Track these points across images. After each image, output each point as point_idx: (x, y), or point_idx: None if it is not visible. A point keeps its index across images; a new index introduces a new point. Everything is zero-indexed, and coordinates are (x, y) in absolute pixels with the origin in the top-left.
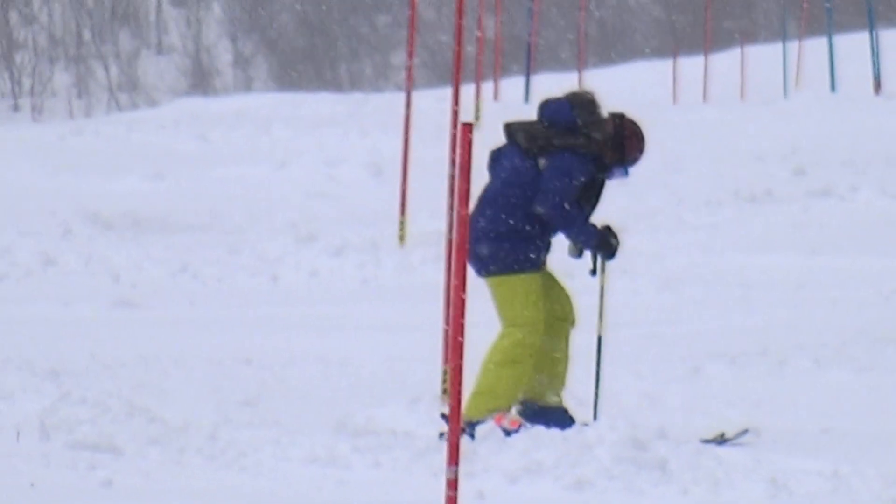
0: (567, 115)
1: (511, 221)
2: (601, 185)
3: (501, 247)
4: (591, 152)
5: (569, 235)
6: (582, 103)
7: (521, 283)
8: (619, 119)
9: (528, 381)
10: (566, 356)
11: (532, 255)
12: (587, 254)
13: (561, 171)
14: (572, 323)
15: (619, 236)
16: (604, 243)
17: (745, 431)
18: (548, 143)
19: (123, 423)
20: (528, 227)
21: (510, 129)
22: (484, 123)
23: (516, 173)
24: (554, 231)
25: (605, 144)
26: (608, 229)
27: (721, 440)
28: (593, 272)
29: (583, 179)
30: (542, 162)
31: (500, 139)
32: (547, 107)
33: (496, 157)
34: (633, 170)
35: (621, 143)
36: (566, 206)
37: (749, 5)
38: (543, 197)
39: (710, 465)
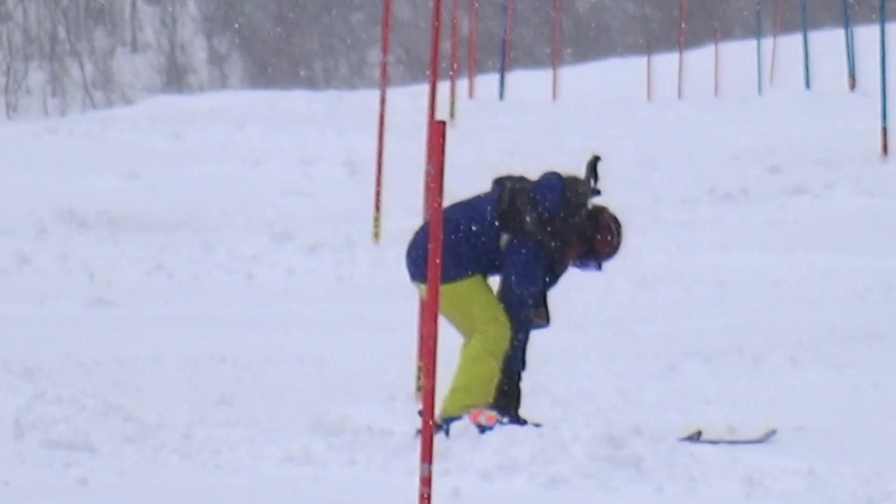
0: (554, 199)
1: (454, 237)
2: (563, 269)
3: (444, 256)
4: (553, 247)
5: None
6: (574, 193)
7: (469, 286)
8: (598, 214)
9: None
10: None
11: (469, 261)
12: None
13: (521, 267)
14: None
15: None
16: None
17: (774, 432)
18: (520, 219)
19: (99, 421)
20: (472, 245)
21: (501, 180)
22: (459, 121)
23: (482, 210)
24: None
25: (575, 237)
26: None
27: (698, 438)
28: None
29: (542, 268)
30: (504, 238)
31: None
32: (544, 178)
33: (492, 187)
34: (606, 264)
35: (592, 238)
36: (530, 301)
37: (724, 2)
38: (511, 291)
39: (685, 463)
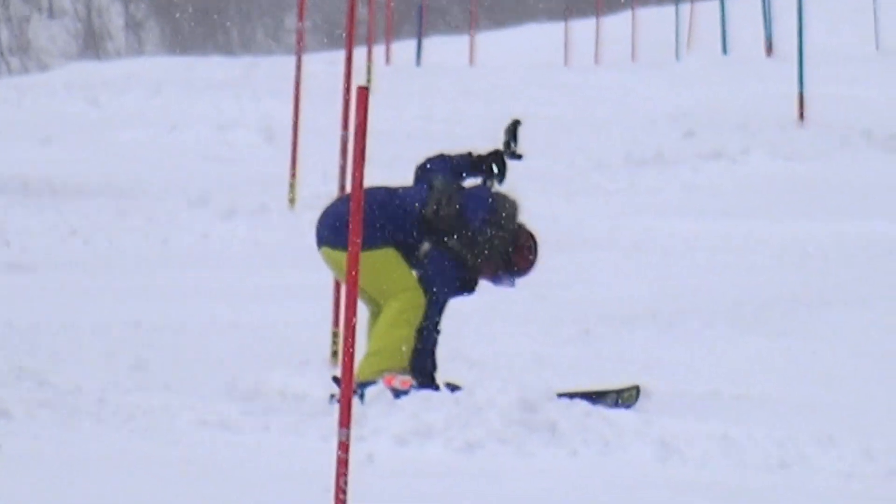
0: (481, 215)
1: (375, 213)
2: (475, 285)
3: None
4: (472, 265)
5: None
6: (501, 208)
7: (386, 255)
8: (517, 230)
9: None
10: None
11: (388, 236)
12: None
13: (438, 278)
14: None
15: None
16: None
17: (637, 389)
18: (443, 233)
19: (12, 386)
20: (394, 226)
21: (427, 174)
22: (376, 87)
23: (406, 207)
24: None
25: (495, 254)
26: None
27: (615, 398)
28: None
29: (457, 282)
30: (424, 246)
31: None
32: (473, 189)
33: (420, 174)
34: (520, 280)
35: (510, 254)
36: (439, 315)
37: None
38: (429, 297)
39: (599, 427)
